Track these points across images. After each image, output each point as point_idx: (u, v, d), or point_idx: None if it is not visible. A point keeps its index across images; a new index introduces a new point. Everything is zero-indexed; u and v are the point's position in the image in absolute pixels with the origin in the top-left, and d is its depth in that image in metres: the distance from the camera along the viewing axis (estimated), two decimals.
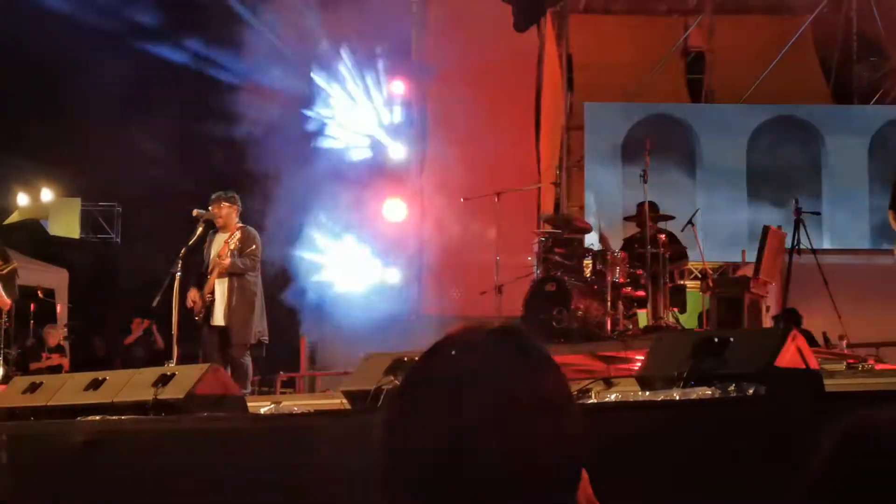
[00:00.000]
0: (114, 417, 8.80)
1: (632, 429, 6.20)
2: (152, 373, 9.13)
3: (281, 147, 17.55)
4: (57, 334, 19.17)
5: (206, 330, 11.56)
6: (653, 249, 12.44)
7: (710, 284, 12.96)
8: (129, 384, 9.03)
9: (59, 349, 18.81)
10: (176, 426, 8.40)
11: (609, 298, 12.12)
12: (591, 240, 14.46)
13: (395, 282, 18.39)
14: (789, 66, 18.15)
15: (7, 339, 17.58)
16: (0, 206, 25.87)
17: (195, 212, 11.80)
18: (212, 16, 19.23)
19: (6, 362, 17.44)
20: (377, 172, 18.46)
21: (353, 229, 17.95)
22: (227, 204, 11.70)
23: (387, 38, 18.60)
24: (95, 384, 9.23)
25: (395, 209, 18.61)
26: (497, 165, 16.78)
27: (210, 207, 11.71)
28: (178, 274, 11.42)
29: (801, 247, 13.14)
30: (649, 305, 12.39)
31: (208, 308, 11.48)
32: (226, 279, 11.47)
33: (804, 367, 6.44)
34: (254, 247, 11.61)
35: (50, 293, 21.17)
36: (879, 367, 9.26)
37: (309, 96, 18.63)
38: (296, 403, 9.83)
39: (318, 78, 18.60)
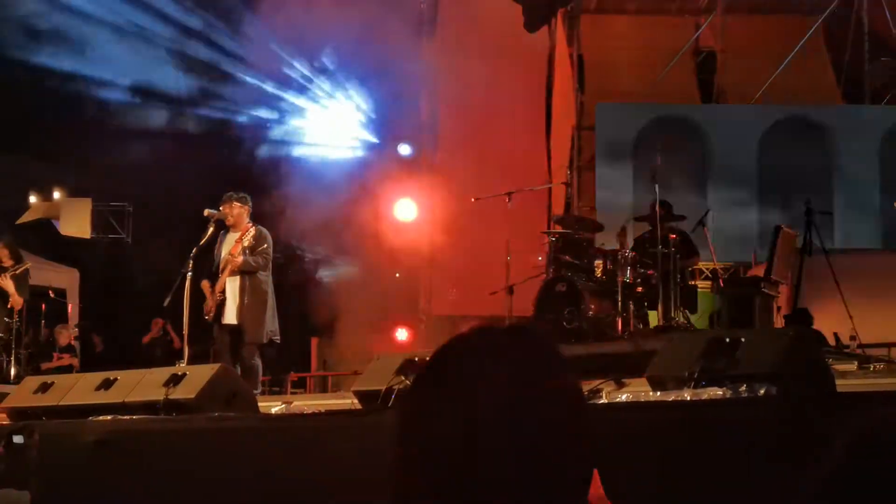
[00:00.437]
0: (125, 417, 8.82)
1: (643, 429, 6.19)
2: (163, 373, 9.14)
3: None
4: (68, 334, 19.20)
5: (217, 329, 11.57)
6: (664, 249, 12.42)
7: (722, 284, 12.95)
8: (141, 384, 9.05)
9: (70, 349, 18.84)
10: (187, 426, 8.41)
11: (620, 298, 12.12)
12: (602, 239, 14.45)
13: (405, 282, 18.39)
14: (801, 66, 18.11)
15: (18, 339, 17.61)
16: (11, 207, 25.88)
17: (206, 212, 11.82)
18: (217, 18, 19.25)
19: (17, 362, 17.47)
20: (386, 172, 18.46)
21: (363, 229, 17.95)
22: (238, 204, 11.71)
23: (396, 39, 18.59)
24: (107, 384, 9.25)
25: (405, 209, 18.61)
26: (508, 165, 16.77)
27: (221, 207, 11.73)
28: (189, 274, 11.44)
29: (813, 247, 13.10)
30: (660, 306, 12.37)
31: (219, 307, 11.49)
32: (237, 278, 11.48)
33: (816, 367, 6.43)
34: (265, 245, 11.62)
35: (61, 293, 21.20)
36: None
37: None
38: (307, 403, 9.86)
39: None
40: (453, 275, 17.63)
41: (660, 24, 19.12)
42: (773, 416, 5.99)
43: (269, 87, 18.84)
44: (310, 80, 19.31)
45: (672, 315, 12.32)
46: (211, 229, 11.69)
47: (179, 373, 9.00)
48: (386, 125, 18.50)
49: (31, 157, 25.26)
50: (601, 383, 7.50)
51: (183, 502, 7.94)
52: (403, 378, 7.69)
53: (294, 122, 20.43)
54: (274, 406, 9.48)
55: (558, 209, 17.71)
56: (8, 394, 11.23)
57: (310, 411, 8.88)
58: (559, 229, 13.76)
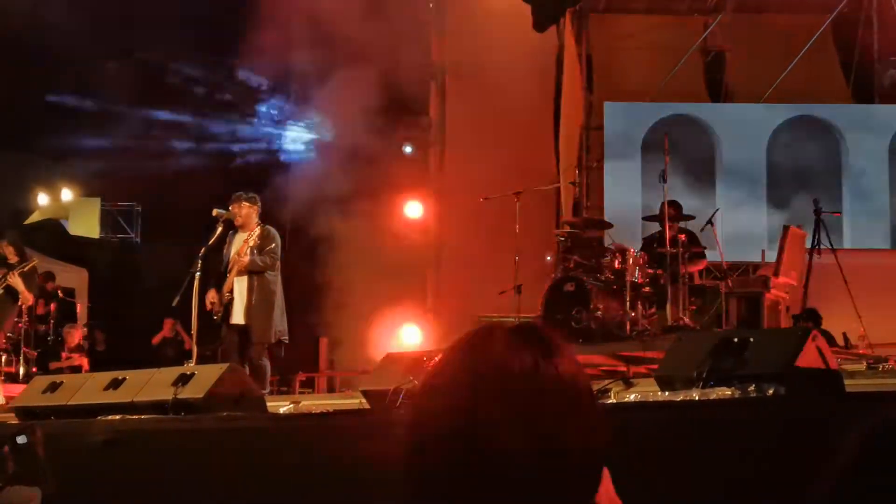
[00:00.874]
0: (133, 417, 8.83)
1: (651, 429, 6.19)
2: (172, 372, 9.15)
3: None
4: (77, 334, 19.22)
5: (225, 329, 11.57)
6: (672, 249, 12.41)
7: (730, 284, 12.93)
8: (149, 384, 9.06)
9: (78, 349, 18.86)
10: (195, 426, 8.42)
11: (628, 298, 12.11)
12: (610, 239, 14.45)
13: (414, 282, 18.38)
14: (809, 66, 18.08)
15: (27, 339, 17.64)
16: (20, 206, 25.94)
17: (215, 211, 11.83)
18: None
19: (26, 361, 17.50)
20: (395, 171, 18.45)
21: (372, 227, 17.94)
22: (247, 204, 11.71)
23: (405, 39, 18.59)
24: (115, 384, 9.26)
25: (414, 209, 18.61)
26: (516, 165, 16.75)
27: (230, 207, 11.73)
28: (198, 274, 11.44)
29: (821, 246, 13.09)
30: (668, 305, 12.36)
31: (227, 307, 11.49)
32: (245, 278, 11.47)
33: (824, 367, 6.42)
34: (273, 245, 11.60)
35: (70, 293, 21.22)
36: None
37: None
38: (315, 403, 9.86)
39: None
40: (462, 274, 17.62)
41: (668, 23, 19.09)
42: (781, 416, 5.99)
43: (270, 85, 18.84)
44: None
45: (680, 315, 12.31)
46: (220, 229, 11.69)
47: (188, 372, 9.01)
48: (393, 124, 18.47)
49: (40, 157, 25.33)
50: (610, 383, 7.49)
51: (191, 502, 7.94)
52: (411, 378, 7.69)
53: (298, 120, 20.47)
54: (282, 406, 9.48)
55: (567, 209, 17.70)
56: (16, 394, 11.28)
57: (318, 411, 8.88)
58: (567, 229, 13.76)
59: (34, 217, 26.08)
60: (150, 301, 19.84)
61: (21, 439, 7.81)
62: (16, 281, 12.56)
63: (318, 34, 17.45)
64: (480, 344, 1.65)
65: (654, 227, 13.64)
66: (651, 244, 13.11)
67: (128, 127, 21.98)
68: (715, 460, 5.92)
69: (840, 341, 12.75)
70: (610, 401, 6.92)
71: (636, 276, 12.27)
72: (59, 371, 16.45)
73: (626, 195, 17.71)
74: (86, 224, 26.28)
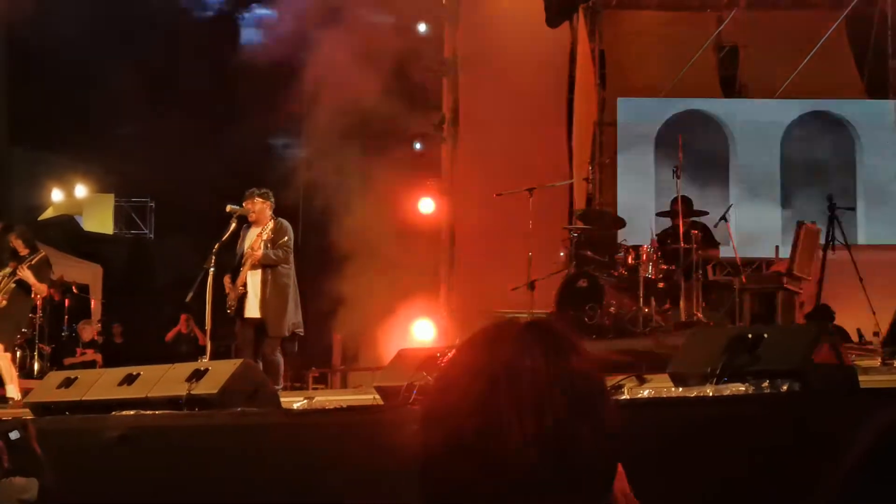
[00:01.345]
0: (148, 412, 8.85)
1: (664, 425, 6.18)
2: (186, 368, 9.17)
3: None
4: (91, 329, 19.29)
5: (239, 324, 11.60)
6: (686, 245, 12.40)
7: (744, 280, 12.92)
8: (163, 379, 9.08)
9: (93, 344, 18.92)
10: (209, 421, 8.44)
11: (641, 294, 12.10)
12: (623, 235, 14.44)
13: (427, 278, 18.38)
14: (823, 61, 18.02)
15: (41, 335, 17.70)
16: (35, 203, 26.02)
17: (228, 207, 11.85)
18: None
19: (41, 357, 17.56)
20: (408, 167, 18.44)
21: (385, 223, 17.94)
22: (260, 199, 11.73)
23: (418, 33, 18.59)
24: (130, 379, 9.28)
25: (426, 204, 18.60)
26: (529, 161, 16.74)
27: (243, 203, 11.75)
28: (212, 269, 11.47)
29: (836, 242, 13.06)
30: (682, 301, 12.35)
31: (240, 302, 11.51)
32: (259, 271, 11.49)
33: (838, 363, 6.41)
34: (286, 238, 11.62)
35: (84, 289, 21.29)
36: None
37: None
38: (329, 399, 9.88)
39: None
40: (475, 270, 17.61)
41: (682, 18, 19.06)
42: (795, 412, 5.98)
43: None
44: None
45: (694, 311, 12.30)
46: (233, 225, 11.71)
47: (202, 368, 9.02)
48: (406, 120, 18.45)
49: (54, 153, 25.40)
50: (623, 379, 7.49)
51: (205, 497, 7.96)
52: (425, 374, 7.69)
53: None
54: (296, 401, 9.50)
55: (580, 205, 17.67)
56: (31, 389, 11.31)
57: (331, 406, 8.89)
58: (581, 225, 13.75)
59: (48, 213, 26.16)
60: (163, 297, 19.90)
61: (14, 435, 7.83)
62: (26, 274, 12.56)
63: (329, 26, 17.44)
64: (494, 340, 1.65)
65: (667, 223, 13.64)
66: (665, 240, 13.11)
67: (142, 123, 22.03)
68: (728, 456, 5.92)
69: (854, 337, 12.72)
70: (623, 397, 6.92)
71: (649, 271, 12.26)
72: (74, 367, 16.50)
73: (639, 191, 17.69)
74: (100, 220, 26.36)
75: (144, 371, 9.36)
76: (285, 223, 11.77)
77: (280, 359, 11.52)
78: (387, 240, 17.31)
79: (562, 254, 14.18)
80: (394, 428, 6.00)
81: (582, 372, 1.63)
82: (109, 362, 17.17)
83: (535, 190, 13.94)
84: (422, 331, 17.04)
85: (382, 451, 6.16)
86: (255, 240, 11.56)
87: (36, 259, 12.72)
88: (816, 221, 13.77)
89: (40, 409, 9.76)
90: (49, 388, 9.94)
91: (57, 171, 25.99)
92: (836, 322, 12.32)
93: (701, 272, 12.55)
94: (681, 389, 6.65)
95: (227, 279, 11.56)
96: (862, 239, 16.80)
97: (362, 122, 16.99)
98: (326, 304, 17.24)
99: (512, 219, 14.89)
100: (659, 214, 14.39)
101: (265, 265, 11.47)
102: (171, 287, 18.97)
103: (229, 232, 11.71)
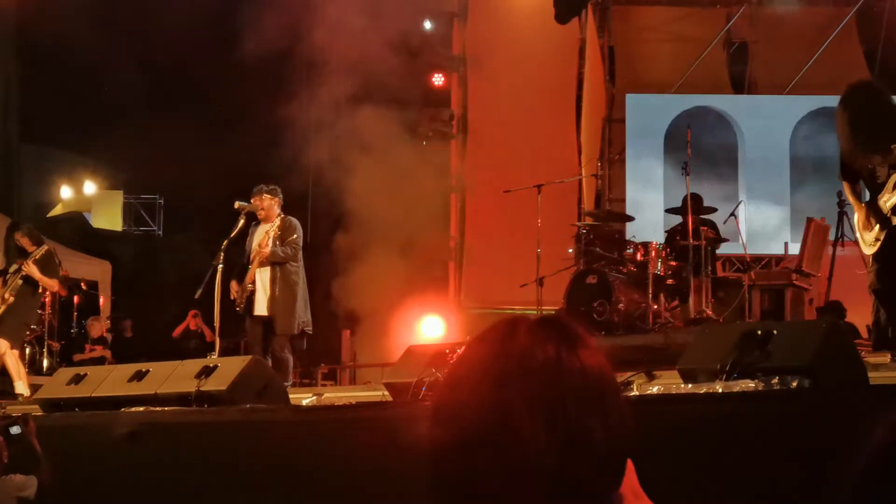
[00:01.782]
0: (157, 409, 8.86)
1: (674, 421, 6.17)
2: (195, 364, 9.18)
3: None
4: (100, 326, 19.31)
5: (248, 321, 11.61)
6: (695, 241, 12.39)
7: (753, 277, 12.90)
8: (173, 376, 9.09)
9: (102, 341, 18.94)
10: (218, 418, 8.45)
11: (651, 291, 12.09)
12: (632, 231, 14.43)
13: (436, 274, 18.38)
14: (833, 57, 18.00)
15: (51, 331, 17.73)
16: (43, 200, 26.06)
17: (237, 204, 11.86)
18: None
19: (50, 354, 17.59)
20: (417, 163, 18.43)
21: (394, 220, 17.94)
22: (268, 196, 11.73)
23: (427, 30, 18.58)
24: (139, 376, 9.30)
25: (436, 201, 18.59)
26: (538, 158, 16.75)
27: (252, 200, 11.76)
28: (220, 266, 11.47)
29: (845, 239, 13.04)
30: (691, 298, 12.34)
31: (249, 299, 11.51)
32: (267, 269, 11.50)
33: (849, 359, 6.39)
34: (295, 236, 11.62)
35: (93, 285, 21.32)
36: None
37: None
38: (338, 395, 9.87)
39: None
40: (484, 267, 17.62)
41: (691, 14, 19.03)
42: (805, 409, 5.97)
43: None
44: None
45: (703, 307, 12.29)
46: (242, 221, 11.72)
47: (211, 365, 9.04)
48: (415, 117, 18.43)
49: (63, 150, 25.43)
50: (632, 375, 7.48)
51: (214, 493, 7.97)
52: (434, 370, 7.69)
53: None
54: (305, 398, 9.50)
55: (589, 201, 17.68)
56: (41, 385, 11.32)
57: (341, 403, 8.89)
58: (590, 221, 13.75)
59: (57, 210, 26.20)
60: (172, 293, 19.90)
61: (15, 430, 7.84)
62: (31, 269, 12.53)
63: (337, 26, 17.42)
64: (504, 337, 1.65)
65: (676, 220, 13.63)
66: (674, 236, 13.10)
67: (151, 119, 22.02)
68: (738, 453, 5.90)
69: (864, 334, 12.70)
70: (633, 393, 6.91)
71: (658, 268, 12.25)
72: (83, 363, 16.53)
73: (647, 187, 17.68)
74: (108, 217, 26.39)
75: (154, 368, 9.38)
76: (294, 220, 11.77)
77: (289, 356, 11.53)
78: (396, 236, 17.31)
79: (571, 250, 14.18)
80: (403, 424, 5.99)
81: (593, 367, 1.63)
82: (119, 355, 17.19)
83: (544, 186, 13.93)
84: (431, 327, 17.03)
85: (392, 448, 6.16)
86: (263, 237, 11.56)
87: (40, 253, 12.69)
88: (826, 217, 13.75)
89: (49, 405, 9.78)
90: (58, 385, 9.96)
91: (66, 167, 26.02)
92: (846, 318, 12.30)
93: (710, 268, 12.54)
94: (690, 386, 6.64)
95: (233, 283, 11.56)
96: None
97: (372, 119, 16.97)
98: (335, 300, 17.25)
99: (521, 215, 14.90)
100: (668, 211, 14.38)
101: (273, 262, 11.47)
102: (180, 284, 18.96)
103: (238, 229, 11.72)
